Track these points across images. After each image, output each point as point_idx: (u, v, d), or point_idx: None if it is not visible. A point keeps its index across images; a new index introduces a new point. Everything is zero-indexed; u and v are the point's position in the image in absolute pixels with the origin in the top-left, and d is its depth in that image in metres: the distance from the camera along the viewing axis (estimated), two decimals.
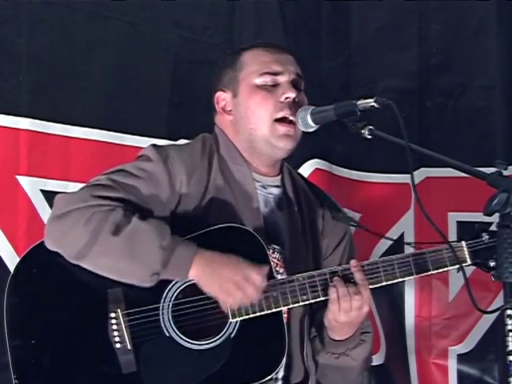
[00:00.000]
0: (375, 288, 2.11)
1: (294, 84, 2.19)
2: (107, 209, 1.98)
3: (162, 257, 1.94)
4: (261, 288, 1.99)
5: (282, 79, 2.18)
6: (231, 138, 2.22)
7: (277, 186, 2.25)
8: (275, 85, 2.18)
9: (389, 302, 3.44)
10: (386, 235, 3.33)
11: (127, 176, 2.07)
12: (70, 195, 2.08)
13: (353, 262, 2.10)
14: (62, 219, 2.00)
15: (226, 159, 2.20)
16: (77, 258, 1.98)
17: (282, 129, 2.15)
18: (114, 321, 1.99)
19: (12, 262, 2.60)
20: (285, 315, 2.13)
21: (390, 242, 3.07)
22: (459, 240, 2.18)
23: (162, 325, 2.00)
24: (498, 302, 2.76)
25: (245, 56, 2.23)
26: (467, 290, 1.99)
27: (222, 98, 2.24)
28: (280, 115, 2.15)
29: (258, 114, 2.16)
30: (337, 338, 2.15)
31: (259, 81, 2.18)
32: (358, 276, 2.07)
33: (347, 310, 2.05)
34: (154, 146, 2.17)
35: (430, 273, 2.15)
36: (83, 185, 2.12)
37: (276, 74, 2.18)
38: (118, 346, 1.98)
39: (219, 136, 2.24)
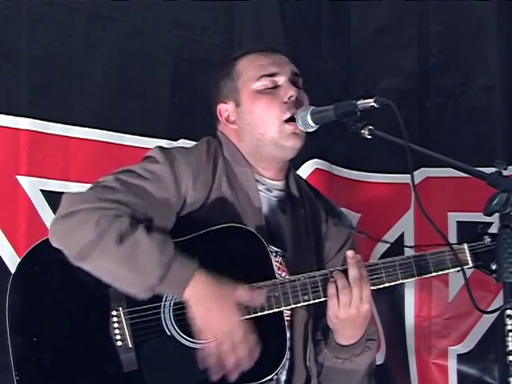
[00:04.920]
0: (376, 289, 2.10)
1: (293, 82, 2.19)
2: (113, 214, 1.96)
3: (159, 273, 1.92)
4: (247, 346, 1.94)
5: (280, 80, 2.18)
6: (235, 143, 2.22)
7: (282, 190, 2.24)
8: (275, 87, 2.17)
9: (389, 302, 3.44)
10: (386, 235, 3.35)
11: (134, 176, 2.06)
12: (77, 195, 2.06)
13: (349, 253, 2.06)
14: (67, 219, 1.99)
15: (229, 161, 2.19)
16: (77, 259, 1.96)
17: (290, 128, 2.14)
18: (115, 319, 1.99)
19: (12, 261, 2.60)
20: (288, 318, 2.12)
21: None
22: (461, 242, 2.17)
23: (164, 323, 2.00)
24: (498, 301, 2.75)
25: (239, 64, 2.22)
26: (467, 290, 1.99)
27: (225, 109, 2.23)
28: (288, 115, 2.14)
29: (265, 118, 2.15)
30: (342, 343, 2.13)
31: (259, 85, 2.17)
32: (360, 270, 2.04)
33: (346, 304, 2.02)
34: (160, 148, 2.16)
35: (431, 275, 2.14)
36: (83, 185, 2.11)
37: (273, 75, 2.18)
38: (119, 344, 1.98)
39: (223, 140, 2.24)
